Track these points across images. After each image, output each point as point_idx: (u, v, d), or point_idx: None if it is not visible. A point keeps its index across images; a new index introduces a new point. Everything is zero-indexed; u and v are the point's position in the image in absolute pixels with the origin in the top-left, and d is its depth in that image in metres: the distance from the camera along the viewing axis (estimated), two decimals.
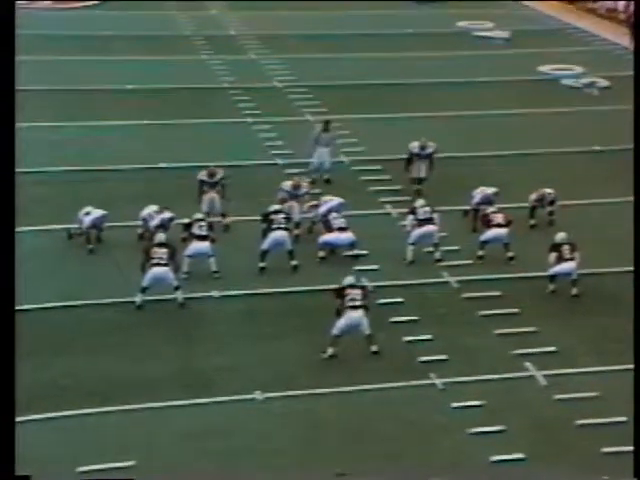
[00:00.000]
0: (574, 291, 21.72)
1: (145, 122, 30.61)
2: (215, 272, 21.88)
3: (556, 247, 22.03)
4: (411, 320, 20.42)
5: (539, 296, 21.55)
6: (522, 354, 18.84)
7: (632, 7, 44.01)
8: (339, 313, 19.05)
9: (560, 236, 22.39)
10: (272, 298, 21.41)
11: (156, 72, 36.01)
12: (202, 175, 24.70)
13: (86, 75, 35.65)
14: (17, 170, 26.30)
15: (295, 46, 40.33)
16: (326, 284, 20.59)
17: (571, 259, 21.91)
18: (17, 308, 19.56)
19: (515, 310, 20.83)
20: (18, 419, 16.74)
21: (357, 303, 19.04)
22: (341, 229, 22.85)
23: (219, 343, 19.74)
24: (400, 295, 21.35)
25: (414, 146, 26.55)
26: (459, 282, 21.91)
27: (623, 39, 42.31)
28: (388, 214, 25.57)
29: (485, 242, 23.14)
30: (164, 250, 20.56)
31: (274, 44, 40.41)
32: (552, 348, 19.08)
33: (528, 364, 18.12)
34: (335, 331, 18.97)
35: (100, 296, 20.98)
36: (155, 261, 20.40)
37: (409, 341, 19.68)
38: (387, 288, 21.65)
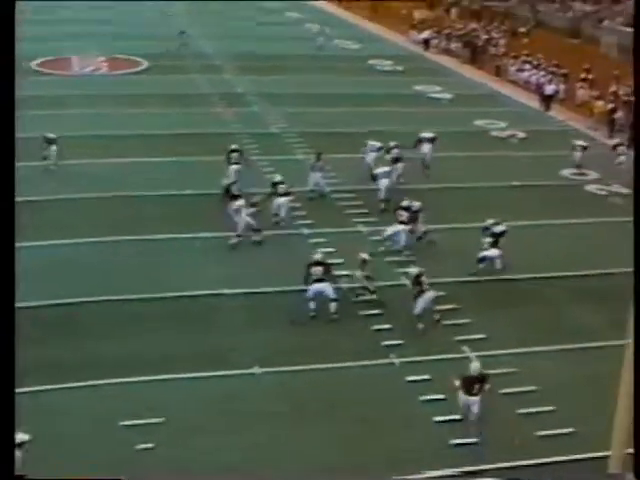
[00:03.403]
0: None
1: (173, 159, 30.18)
2: None
3: (493, 234, 22.37)
4: (378, 314, 20.21)
5: (475, 296, 21.31)
6: (460, 340, 18.68)
7: (541, 79, 44.43)
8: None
9: (500, 227, 22.41)
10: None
11: (180, 121, 35.67)
12: None
13: (127, 123, 35.43)
14: (75, 196, 26.35)
15: (288, 101, 39.82)
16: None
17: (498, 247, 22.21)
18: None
19: (455, 306, 20.62)
20: (71, 385, 16.65)
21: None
22: None
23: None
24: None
25: None
26: None
27: (535, 103, 42.76)
28: (360, 232, 25.16)
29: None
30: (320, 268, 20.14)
31: (276, 100, 39.97)
32: (483, 335, 18.88)
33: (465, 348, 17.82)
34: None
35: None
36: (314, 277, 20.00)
37: (376, 330, 19.48)
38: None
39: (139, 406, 16.34)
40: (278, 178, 25.82)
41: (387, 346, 18.79)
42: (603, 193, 29.41)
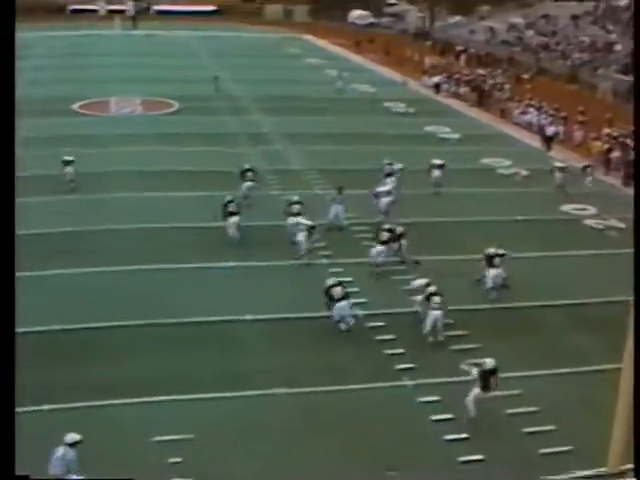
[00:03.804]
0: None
1: (202, 193, 30.25)
2: None
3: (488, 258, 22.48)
4: (391, 339, 20.20)
5: (481, 323, 21.28)
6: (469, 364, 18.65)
7: (542, 121, 44.55)
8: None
9: (492, 250, 22.50)
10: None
11: (209, 158, 35.82)
12: None
13: (160, 160, 35.66)
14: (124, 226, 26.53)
15: (308, 140, 40.19)
16: None
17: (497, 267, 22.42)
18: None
19: (464, 332, 20.60)
20: (110, 402, 16.74)
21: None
22: None
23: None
24: (383, 320, 21.06)
25: None
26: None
27: (537, 143, 42.78)
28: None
29: None
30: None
31: (297, 139, 40.33)
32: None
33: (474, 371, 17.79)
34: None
35: None
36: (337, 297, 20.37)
37: (389, 354, 19.48)
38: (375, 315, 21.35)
39: (169, 423, 16.43)
40: (295, 198, 26.69)
41: (400, 370, 18.81)
42: (600, 227, 29.36)
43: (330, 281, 20.82)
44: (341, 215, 27.88)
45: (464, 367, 17.21)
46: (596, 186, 33.96)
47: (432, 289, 20.35)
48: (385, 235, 24.31)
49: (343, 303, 20.38)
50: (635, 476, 13.06)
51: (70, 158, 31.61)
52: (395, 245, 24.68)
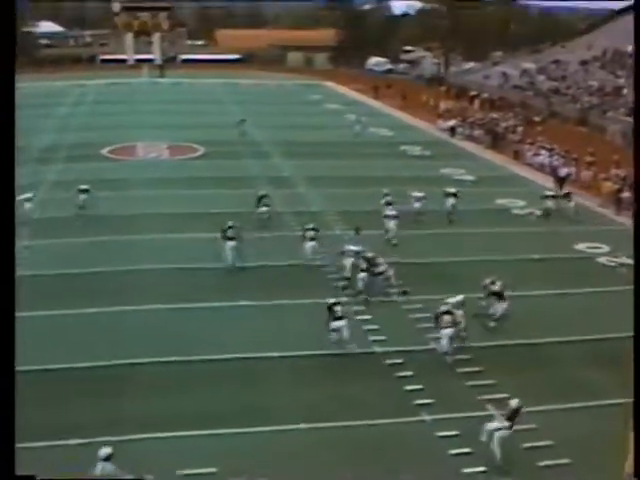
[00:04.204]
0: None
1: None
2: None
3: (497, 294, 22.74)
4: (410, 375, 20.10)
5: (496, 359, 21.16)
6: (486, 399, 18.48)
7: (555, 162, 44.49)
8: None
9: (499, 284, 22.69)
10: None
11: (232, 201, 35.70)
12: None
13: (185, 203, 35.92)
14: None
15: (328, 183, 40.34)
16: None
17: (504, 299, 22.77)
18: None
19: (480, 368, 20.46)
20: (136, 436, 16.74)
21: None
22: None
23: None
24: (402, 357, 20.96)
25: None
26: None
27: (549, 184, 42.33)
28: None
29: None
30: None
31: (317, 182, 40.55)
32: (505, 395, 18.63)
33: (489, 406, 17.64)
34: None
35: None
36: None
37: (408, 390, 19.40)
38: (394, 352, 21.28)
39: (193, 457, 16.40)
40: (311, 225, 28.35)
41: (419, 405, 18.71)
42: (612, 264, 29.20)
43: (331, 300, 21.68)
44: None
45: (491, 410, 17.06)
46: (608, 225, 33.95)
47: (444, 308, 21.09)
48: (364, 265, 25.08)
49: (340, 322, 21.13)
50: (635, 475, 12.98)
51: (85, 187, 33.71)
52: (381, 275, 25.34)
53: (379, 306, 24.27)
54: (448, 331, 20.66)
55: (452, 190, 34.28)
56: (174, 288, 25.62)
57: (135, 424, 17.52)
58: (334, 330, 21.07)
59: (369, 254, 25.68)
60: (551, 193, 37.05)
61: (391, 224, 30.25)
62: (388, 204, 31.66)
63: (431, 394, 19.07)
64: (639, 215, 27.17)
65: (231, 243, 27.13)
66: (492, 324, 22.74)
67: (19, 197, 29.40)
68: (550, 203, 35.64)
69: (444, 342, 20.63)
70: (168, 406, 18.45)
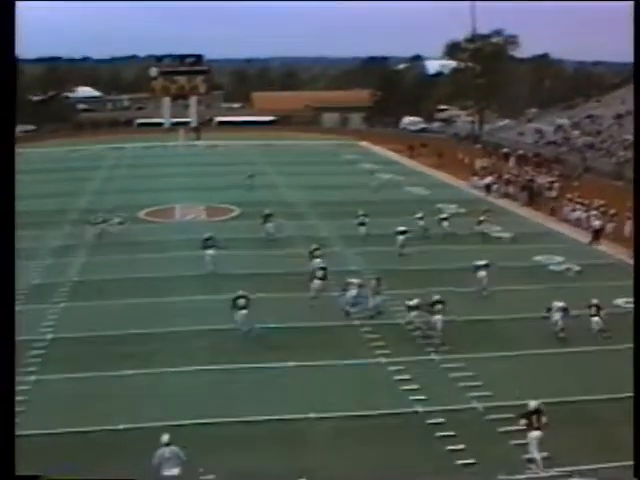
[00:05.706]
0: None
1: (262, 295, 30.06)
2: None
3: None
4: (452, 435, 19.88)
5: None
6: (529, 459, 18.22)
7: (591, 220, 44.16)
8: None
9: None
10: None
11: (268, 261, 36.31)
12: None
13: (221, 264, 35.62)
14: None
15: (364, 242, 40.68)
16: None
17: None
18: None
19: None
20: None
21: None
22: None
23: None
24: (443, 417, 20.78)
25: None
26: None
27: (586, 239, 42.49)
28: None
29: None
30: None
31: (354, 242, 40.97)
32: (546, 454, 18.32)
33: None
34: None
35: None
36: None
37: (450, 450, 19.14)
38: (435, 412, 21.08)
39: None
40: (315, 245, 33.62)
41: (461, 465, 18.47)
42: None
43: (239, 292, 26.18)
44: (380, 303, 29.13)
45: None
46: None
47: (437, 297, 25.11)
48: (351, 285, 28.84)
49: (243, 312, 25.93)
50: (635, 475, 12.80)
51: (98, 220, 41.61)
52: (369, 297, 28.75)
53: (418, 366, 24.15)
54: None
55: (482, 262, 31.84)
56: (210, 350, 25.66)
57: None
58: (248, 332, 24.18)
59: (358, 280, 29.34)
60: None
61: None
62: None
63: (473, 454, 18.78)
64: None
65: (210, 252, 34.23)
66: None
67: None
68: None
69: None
70: (209, 468, 18.33)
